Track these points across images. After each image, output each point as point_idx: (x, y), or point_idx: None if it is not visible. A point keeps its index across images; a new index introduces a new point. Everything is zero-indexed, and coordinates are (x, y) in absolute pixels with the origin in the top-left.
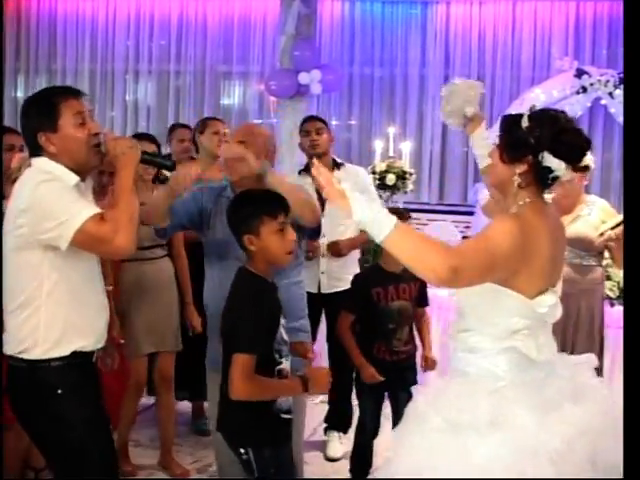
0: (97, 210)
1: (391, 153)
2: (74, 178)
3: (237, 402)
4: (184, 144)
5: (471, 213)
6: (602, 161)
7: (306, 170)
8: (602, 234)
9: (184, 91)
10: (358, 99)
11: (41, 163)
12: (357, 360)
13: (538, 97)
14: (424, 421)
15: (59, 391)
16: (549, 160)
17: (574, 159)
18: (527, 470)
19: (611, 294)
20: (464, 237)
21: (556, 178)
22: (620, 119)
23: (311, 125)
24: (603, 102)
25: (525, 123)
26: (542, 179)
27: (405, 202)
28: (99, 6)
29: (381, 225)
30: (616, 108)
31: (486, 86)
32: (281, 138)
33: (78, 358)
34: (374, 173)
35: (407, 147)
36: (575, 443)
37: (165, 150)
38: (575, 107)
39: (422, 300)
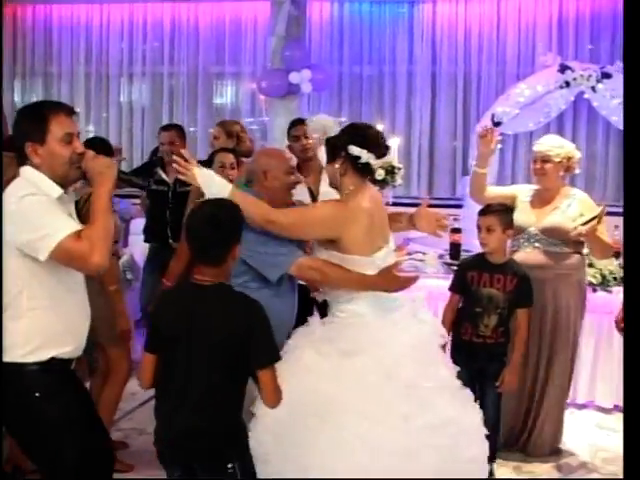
0: (76, 227)
1: None
2: (58, 190)
3: (221, 415)
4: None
5: (460, 206)
6: (586, 154)
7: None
8: (575, 228)
9: (177, 92)
10: (347, 97)
11: (28, 174)
12: None
13: (523, 92)
14: (300, 352)
15: (37, 394)
16: (353, 150)
17: (372, 147)
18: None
19: (593, 280)
20: (454, 229)
21: (367, 165)
22: (603, 112)
23: (300, 129)
24: (586, 96)
25: (336, 133)
26: (355, 166)
27: (395, 196)
28: (93, 11)
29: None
30: (599, 102)
31: (472, 82)
32: (273, 137)
33: (55, 365)
34: None
35: (396, 142)
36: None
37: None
38: (559, 101)
39: (520, 299)
